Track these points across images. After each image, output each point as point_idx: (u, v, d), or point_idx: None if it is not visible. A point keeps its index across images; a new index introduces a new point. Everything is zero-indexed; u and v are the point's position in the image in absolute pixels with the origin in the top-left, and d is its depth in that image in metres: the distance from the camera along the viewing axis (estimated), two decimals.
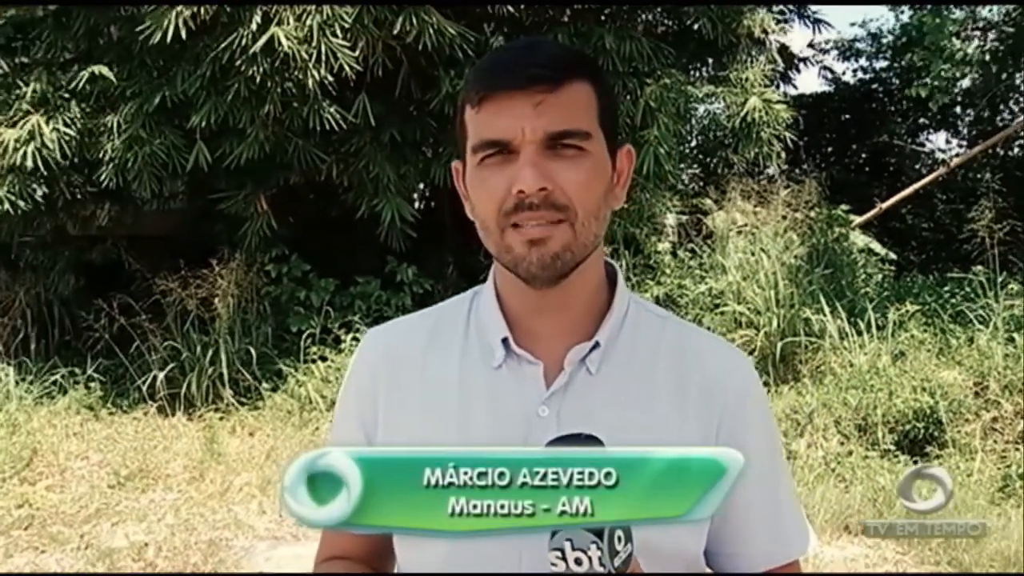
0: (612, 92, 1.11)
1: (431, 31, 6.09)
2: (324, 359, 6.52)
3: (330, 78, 6.12)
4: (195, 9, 6.01)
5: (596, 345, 1.08)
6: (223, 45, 6.04)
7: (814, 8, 9.25)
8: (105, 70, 6.42)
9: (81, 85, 6.43)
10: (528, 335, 1.09)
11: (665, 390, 1.08)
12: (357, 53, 6.19)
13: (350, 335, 6.60)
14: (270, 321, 7.12)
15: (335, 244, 7.68)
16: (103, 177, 6.58)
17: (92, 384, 6.61)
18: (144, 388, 6.52)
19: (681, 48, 7.74)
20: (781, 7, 8.80)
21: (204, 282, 6.88)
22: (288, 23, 6.00)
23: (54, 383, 6.58)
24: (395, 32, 6.15)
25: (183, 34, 5.98)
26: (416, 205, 7.57)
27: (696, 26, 7.59)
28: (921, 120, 12.40)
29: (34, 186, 6.54)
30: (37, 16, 7.41)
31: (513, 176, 1.00)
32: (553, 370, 1.08)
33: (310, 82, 6.01)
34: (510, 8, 7.13)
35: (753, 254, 7.12)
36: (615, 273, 1.15)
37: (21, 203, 6.42)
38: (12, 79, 6.81)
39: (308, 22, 6.00)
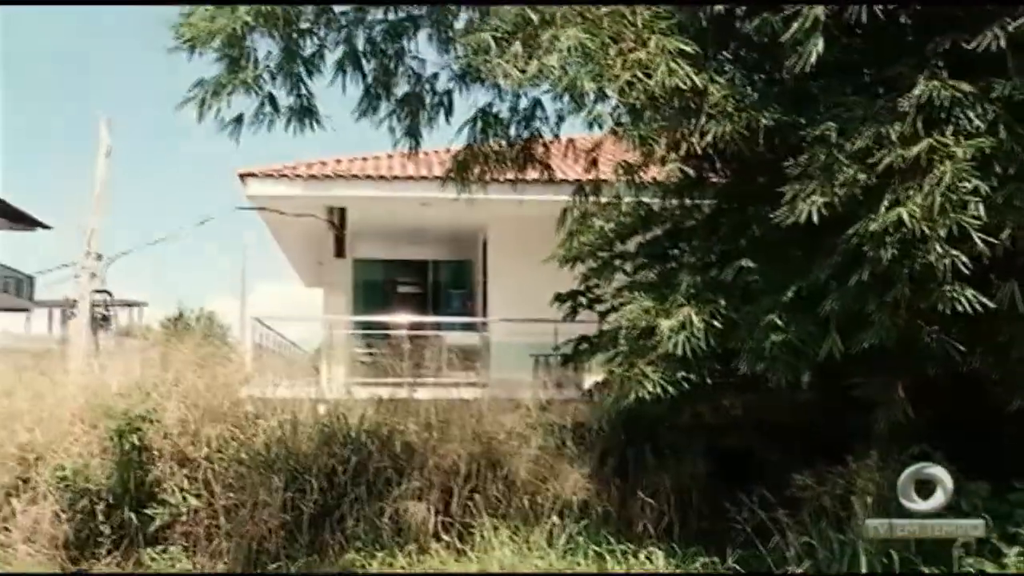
0: None
1: None
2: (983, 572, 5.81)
3: (964, 258, 5.68)
4: (829, 197, 6.08)
5: None
6: (852, 231, 6.01)
7: None
8: (750, 263, 6.80)
9: (730, 278, 6.86)
10: None
11: None
12: (1005, 235, 5.69)
13: (1014, 548, 5.79)
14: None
15: (984, 443, 6.93)
16: (740, 365, 6.84)
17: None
18: None
19: None
20: None
21: (840, 479, 6.67)
22: (915, 202, 5.77)
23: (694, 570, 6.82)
24: None
25: (815, 218, 6.06)
26: None
27: None
28: None
29: (681, 372, 7.03)
30: (686, 227, 8.29)
31: None
32: None
33: (932, 259, 5.63)
34: None
35: None
36: None
37: (671, 388, 6.93)
38: (669, 279, 7.57)
39: (935, 197, 5.68)
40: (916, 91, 5.59)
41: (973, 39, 5.60)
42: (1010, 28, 5.50)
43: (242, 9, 6.33)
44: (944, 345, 6.24)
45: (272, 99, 7.12)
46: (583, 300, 9.19)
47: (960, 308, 5.83)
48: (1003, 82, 5.61)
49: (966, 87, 5.59)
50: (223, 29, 6.34)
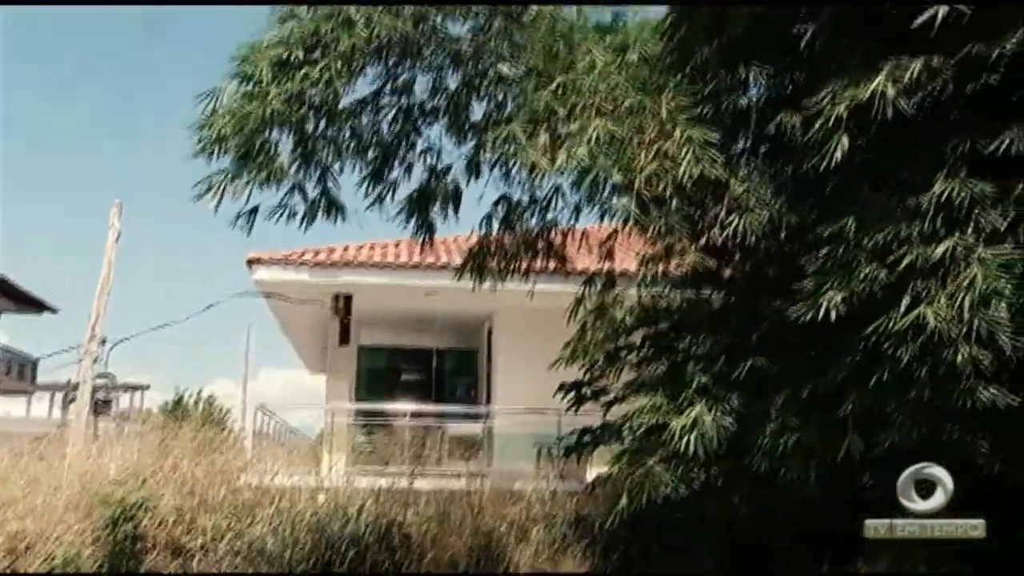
0: None
1: None
2: None
3: (987, 357, 5.60)
4: (847, 293, 6.01)
5: None
6: (871, 330, 5.93)
7: None
8: (764, 361, 6.70)
9: (742, 376, 6.75)
10: None
11: None
12: None
13: None
14: None
15: (1004, 542, 6.72)
16: (753, 463, 6.69)
17: None
18: None
19: None
20: None
21: None
22: (939, 302, 5.71)
23: None
24: None
25: (832, 316, 5.97)
26: None
27: None
28: None
29: (693, 471, 6.89)
30: (693, 320, 8.20)
31: None
32: None
33: (959, 359, 5.55)
34: None
35: None
36: None
37: (682, 487, 6.78)
38: (678, 373, 7.45)
39: (961, 299, 5.62)
40: (936, 189, 5.61)
41: (991, 141, 5.65)
42: None
43: (272, 94, 6.30)
44: (965, 445, 6.12)
45: (302, 190, 7.08)
46: (587, 391, 9.09)
47: (980, 407, 5.73)
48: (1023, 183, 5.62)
49: (986, 187, 5.59)
50: (250, 119, 6.28)
